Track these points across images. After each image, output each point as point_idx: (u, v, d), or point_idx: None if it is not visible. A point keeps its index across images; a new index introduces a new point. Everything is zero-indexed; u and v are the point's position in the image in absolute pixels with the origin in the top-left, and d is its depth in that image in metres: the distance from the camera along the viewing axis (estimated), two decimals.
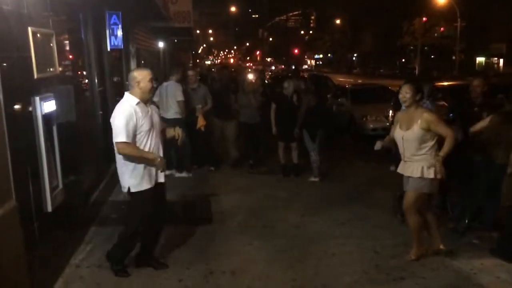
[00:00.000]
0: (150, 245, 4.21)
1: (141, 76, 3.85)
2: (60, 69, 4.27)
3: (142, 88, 3.84)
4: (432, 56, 43.81)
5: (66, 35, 4.83)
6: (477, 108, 5.25)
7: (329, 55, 66.64)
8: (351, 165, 8.15)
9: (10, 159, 3.12)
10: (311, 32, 67.22)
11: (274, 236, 5.01)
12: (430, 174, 4.05)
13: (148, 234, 4.11)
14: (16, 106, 3.30)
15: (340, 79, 30.69)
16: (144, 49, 11.35)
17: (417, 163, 4.10)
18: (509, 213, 4.39)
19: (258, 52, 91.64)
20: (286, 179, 7.38)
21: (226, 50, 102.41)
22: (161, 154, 3.99)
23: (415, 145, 4.08)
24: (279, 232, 5.14)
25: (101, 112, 6.35)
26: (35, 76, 3.60)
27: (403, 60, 49.15)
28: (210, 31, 70.17)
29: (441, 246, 4.39)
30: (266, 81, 21.97)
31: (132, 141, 3.76)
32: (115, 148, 3.81)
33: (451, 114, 6.25)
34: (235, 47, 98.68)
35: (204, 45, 59.26)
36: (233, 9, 69.67)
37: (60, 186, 3.94)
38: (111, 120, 3.81)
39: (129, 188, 3.88)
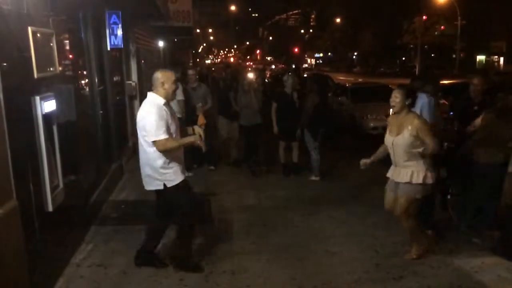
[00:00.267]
0: (157, 241, 4.23)
1: (165, 77, 3.86)
2: (60, 68, 4.27)
3: (167, 89, 3.86)
4: (433, 55, 43.78)
5: (66, 34, 4.83)
6: (477, 107, 5.24)
7: (329, 54, 66.59)
8: (351, 164, 8.13)
9: (10, 159, 3.12)
10: (311, 31, 67.10)
11: (274, 235, 5.01)
12: (419, 179, 4.03)
13: (157, 229, 4.18)
14: (17, 106, 3.30)
15: (340, 78, 30.66)
16: (144, 48, 11.34)
17: (406, 168, 4.08)
18: (510, 211, 4.39)
19: (258, 51, 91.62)
20: (286, 178, 7.38)
21: (226, 49, 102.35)
22: (182, 153, 4.01)
23: (405, 150, 4.06)
24: (279, 231, 5.14)
25: (101, 112, 6.35)
26: (35, 76, 3.60)
27: (403, 58, 49.12)
28: (210, 30, 70.10)
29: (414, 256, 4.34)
30: (266, 80, 21.95)
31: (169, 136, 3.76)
32: (149, 147, 3.77)
33: (451, 113, 6.25)
34: (235, 46, 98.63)
35: (204, 44, 59.20)
36: (233, 8, 69.62)
37: (61, 185, 3.94)
38: (140, 120, 3.80)
39: (164, 185, 3.87)
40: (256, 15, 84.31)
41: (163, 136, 3.70)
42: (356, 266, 4.23)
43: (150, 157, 3.83)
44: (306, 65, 64.51)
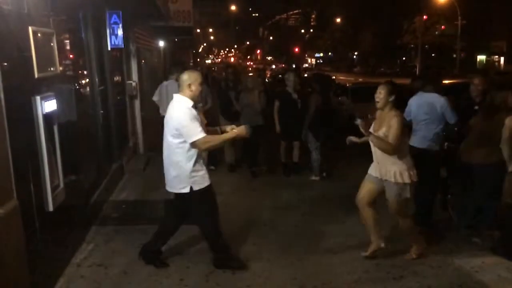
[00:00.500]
0: (164, 241, 4.26)
1: (192, 79, 3.85)
2: (61, 68, 4.28)
3: (194, 91, 3.86)
4: (433, 55, 43.75)
5: (67, 34, 4.84)
6: (477, 107, 5.23)
7: (329, 54, 66.58)
8: (351, 164, 8.14)
9: (11, 159, 3.13)
10: (311, 30, 67.09)
11: (275, 234, 5.02)
12: (404, 178, 3.99)
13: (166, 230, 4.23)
14: (17, 106, 3.31)
15: (341, 77, 30.64)
16: (144, 48, 11.35)
17: (387, 167, 4.04)
18: (510, 211, 4.39)
19: (258, 51, 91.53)
20: (287, 178, 7.38)
21: (227, 49, 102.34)
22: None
23: None
24: (280, 230, 5.14)
25: (102, 112, 6.36)
26: (36, 76, 3.60)
27: (404, 58, 49.09)
28: (211, 30, 70.12)
29: (382, 245, 4.33)
30: (266, 80, 21.94)
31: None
32: (178, 149, 3.78)
33: None
34: (235, 46, 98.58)
35: (205, 44, 59.20)
36: (233, 8, 69.61)
37: (61, 185, 3.94)
38: (168, 120, 3.81)
39: (191, 188, 3.87)
40: (257, 15, 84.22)
41: (201, 134, 3.72)
42: (356, 266, 4.23)
43: (180, 159, 3.81)
44: (307, 65, 64.47)
